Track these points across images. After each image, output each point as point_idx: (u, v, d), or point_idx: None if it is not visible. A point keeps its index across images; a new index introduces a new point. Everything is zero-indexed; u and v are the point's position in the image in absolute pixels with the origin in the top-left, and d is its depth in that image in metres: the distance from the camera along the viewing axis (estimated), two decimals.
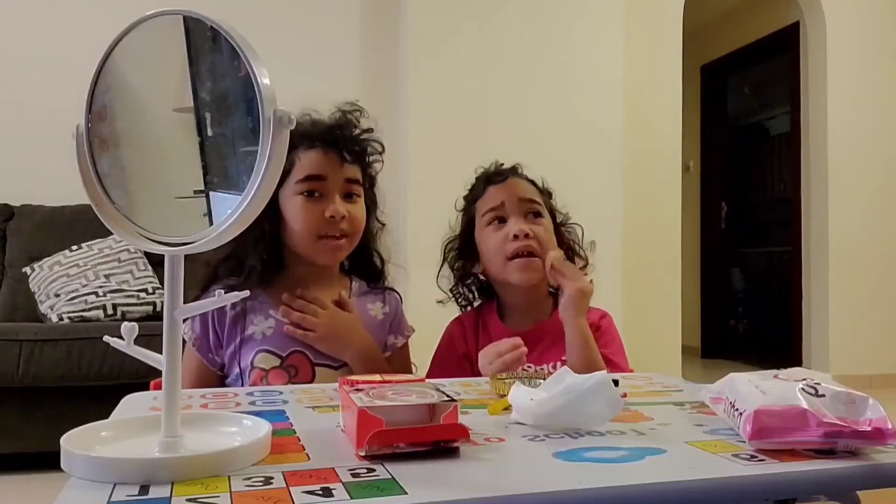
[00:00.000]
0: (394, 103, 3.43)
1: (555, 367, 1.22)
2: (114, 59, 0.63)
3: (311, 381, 1.18)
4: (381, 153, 1.29)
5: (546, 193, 1.38)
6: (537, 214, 1.29)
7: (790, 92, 4.65)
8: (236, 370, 1.19)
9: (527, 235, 1.24)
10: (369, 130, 1.26)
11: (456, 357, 1.30)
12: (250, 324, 1.19)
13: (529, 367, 1.23)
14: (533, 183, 1.36)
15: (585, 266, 1.36)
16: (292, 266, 1.24)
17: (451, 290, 1.38)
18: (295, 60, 3.24)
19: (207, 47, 0.62)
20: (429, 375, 1.29)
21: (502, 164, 1.39)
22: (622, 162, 3.49)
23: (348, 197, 1.22)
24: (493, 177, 1.34)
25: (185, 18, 0.61)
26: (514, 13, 3.38)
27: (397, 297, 1.33)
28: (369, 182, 1.30)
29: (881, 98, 4.37)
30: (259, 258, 1.19)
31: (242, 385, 1.17)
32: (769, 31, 4.89)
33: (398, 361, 1.29)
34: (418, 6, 3.31)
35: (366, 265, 1.32)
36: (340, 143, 1.21)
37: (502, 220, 1.28)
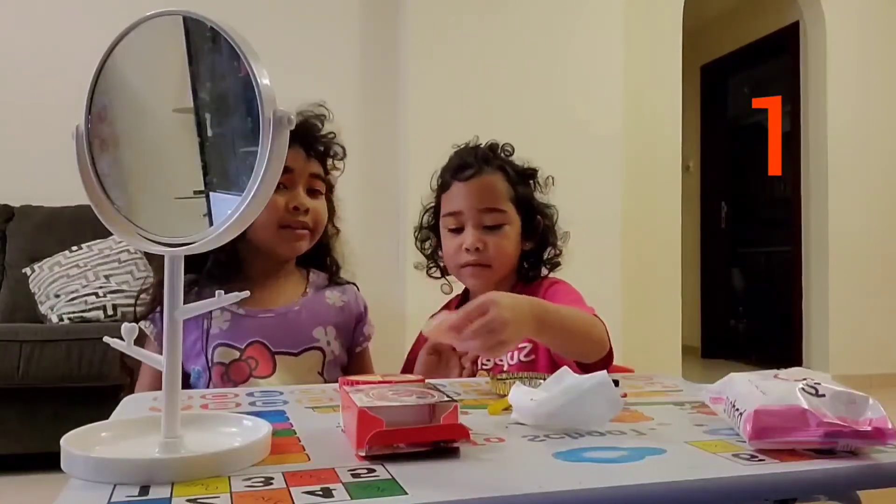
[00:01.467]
0: (394, 103, 3.43)
1: (512, 358, 1.21)
2: (114, 59, 0.63)
3: (273, 372, 1.18)
4: (342, 158, 1.31)
5: (524, 176, 1.31)
6: (496, 226, 1.24)
7: (790, 92, 4.65)
8: (195, 367, 1.18)
9: (478, 249, 1.22)
10: (332, 134, 1.29)
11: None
12: (205, 318, 1.19)
13: (488, 361, 1.22)
14: (506, 171, 1.29)
15: (559, 255, 1.33)
16: (250, 259, 1.25)
17: (426, 258, 1.37)
18: (295, 60, 3.24)
19: (207, 48, 0.62)
20: (405, 367, 1.27)
21: (479, 145, 1.32)
22: (622, 162, 3.49)
23: (312, 193, 1.25)
24: (460, 171, 1.27)
25: (184, 19, 0.61)
26: (515, 12, 3.38)
27: (355, 289, 1.35)
28: (328, 187, 1.32)
29: (881, 98, 4.37)
30: (219, 251, 1.18)
31: (208, 382, 1.17)
32: (769, 31, 4.89)
33: (366, 360, 1.32)
34: (418, 5, 3.31)
35: (322, 264, 1.34)
36: (307, 138, 1.24)
37: (459, 229, 1.25)
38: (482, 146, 1.32)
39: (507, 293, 0.97)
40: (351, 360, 1.30)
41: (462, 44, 3.32)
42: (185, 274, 1.15)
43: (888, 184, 4.37)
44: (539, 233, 1.31)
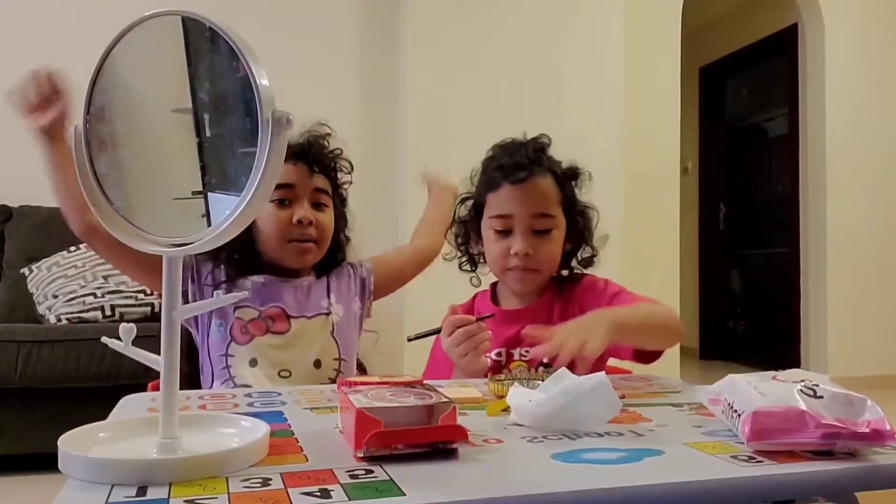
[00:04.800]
0: (393, 103, 3.43)
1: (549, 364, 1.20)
2: (112, 59, 0.63)
3: (289, 329, 1.27)
4: (349, 172, 1.40)
5: (568, 178, 1.29)
6: (546, 231, 1.22)
7: (788, 93, 4.65)
8: (220, 320, 1.26)
9: (527, 255, 1.20)
10: (338, 150, 1.37)
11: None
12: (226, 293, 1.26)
13: (526, 352, 1.20)
14: (555, 173, 1.26)
15: (594, 256, 1.31)
16: (266, 265, 1.32)
17: (458, 248, 1.34)
18: (293, 60, 3.24)
19: (206, 48, 0.62)
20: (425, 372, 1.28)
21: (526, 142, 1.27)
22: (620, 164, 3.49)
23: (317, 206, 1.31)
24: (511, 172, 1.21)
25: (183, 19, 0.61)
26: (514, 13, 3.38)
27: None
28: (340, 200, 1.40)
29: (879, 99, 4.38)
30: (232, 263, 1.28)
31: (230, 334, 1.24)
32: (767, 33, 4.89)
33: (380, 262, 1.45)
34: (417, 6, 3.31)
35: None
36: (310, 156, 1.31)
37: (508, 232, 1.22)
38: (529, 144, 1.27)
39: (575, 321, 1.02)
40: (377, 284, 1.41)
41: (462, 43, 3.32)
42: (221, 270, 1.28)
43: (886, 186, 4.37)
44: (578, 234, 1.29)
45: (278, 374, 1.24)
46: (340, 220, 1.39)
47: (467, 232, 1.32)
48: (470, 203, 1.31)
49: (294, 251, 1.29)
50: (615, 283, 1.27)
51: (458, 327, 1.08)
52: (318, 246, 1.32)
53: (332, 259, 1.40)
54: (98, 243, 1.25)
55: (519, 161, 1.22)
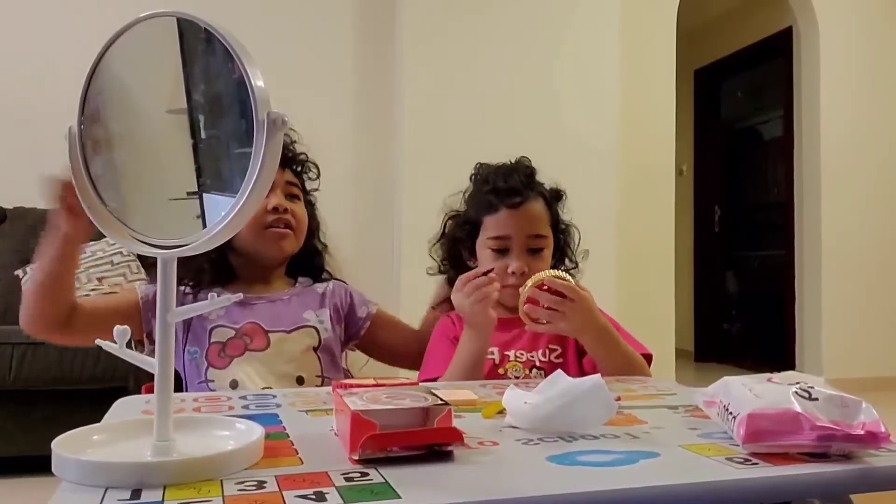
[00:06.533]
0: (389, 105, 3.43)
1: (544, 356, 1.26)
2: (107, 60, 0.63)
3: (268, 346, 1.25)
4: (316, 178, 1.43)
5: (555, 199, 1.38)
6: (539, 250, 1.30)
7: (783, 96, 4.67)
8: (195, 347, 1.25)
9: (523, 273, 1.26)
10: (303, 154, 1.40)
11: (448, 341, 1.32)
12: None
13: (521, 353, 1.28)
14: (544, 196, 1.35)
15: (573, 269, 1.38)
16: (239, 269, 1.34)
17: (442, 262, 1.40)
18: (289, 63, 3.24)
19: (201, 49, 0.62)
20: (425, 365, 1.30)
21: (515, 168, 1.36)
22: (616, 166, 3.50)
23: (290, 197, 1.33)
24: (508, 197, 1.31)
25: (178, 20, 0.61)
26: (510, 16, 3.38)
27: (342, 283, 1.43)
28: (310, 207, 1.41)
29: (874, 102, 4.39)
30: (208, 260, 1.28)
31: (206, 360, 1.23)
32: (763, 36, 4.91)
33: (385, 319, 1.42)
34: (413, 8, 3.31)
35: (311, 273, 1.42)
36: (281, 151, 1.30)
37: (505, 251, 1.29)
38: (520, 169, 1.37)
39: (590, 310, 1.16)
40: (368, 333, 1.39)
41: (458, 46, 3.33)
42: (182, 280, 1.26)
43: (881, 188, 4.39)
44: (560, 249, 1.38)
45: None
46: (312, 221, 1.40)
47: (458, 249, 1.38)
48: (461, 221, 1.38)
49: (272, 237, 1.29)
50: (607, 314, 1.32)
51: (469, 282, 1.16)
52: (295, 235, 1.33)
53: (311, 262, 1.41)
54: (82, 324, 1.24)
55: (514, 186, 1.33)
